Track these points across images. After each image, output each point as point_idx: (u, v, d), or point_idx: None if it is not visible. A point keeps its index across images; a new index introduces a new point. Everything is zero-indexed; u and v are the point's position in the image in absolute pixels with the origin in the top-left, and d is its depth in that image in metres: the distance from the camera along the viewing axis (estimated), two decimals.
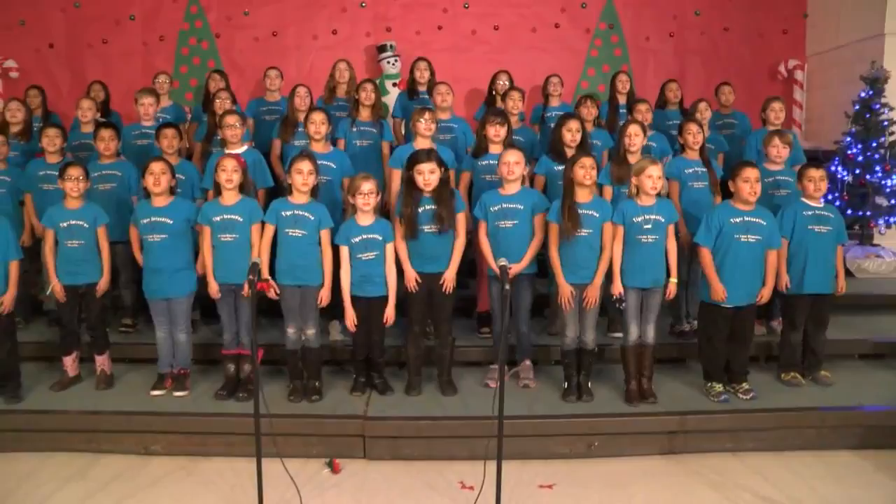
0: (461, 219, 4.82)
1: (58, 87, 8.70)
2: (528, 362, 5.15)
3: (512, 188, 4.87)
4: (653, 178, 4.60)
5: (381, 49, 8.77)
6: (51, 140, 5.65)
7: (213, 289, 4.82)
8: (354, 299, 4.81)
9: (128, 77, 8.50)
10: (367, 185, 4.71)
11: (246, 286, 4.27)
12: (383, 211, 5.25)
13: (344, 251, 4.77)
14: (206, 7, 9.05)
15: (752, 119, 7.06)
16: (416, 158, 4.74)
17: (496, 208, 4.86)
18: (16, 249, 4.84)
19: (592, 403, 4.79)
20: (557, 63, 8.68)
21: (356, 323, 4.82)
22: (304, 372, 4.93)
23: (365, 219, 4.78)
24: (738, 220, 4.71)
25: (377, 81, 8.23)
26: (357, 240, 4.75)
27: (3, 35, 8.96)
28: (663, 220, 4.68)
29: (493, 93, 6.96)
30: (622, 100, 7.00)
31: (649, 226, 4.64)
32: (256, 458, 3.71)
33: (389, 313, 4.82)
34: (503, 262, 3.83)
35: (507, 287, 3.59)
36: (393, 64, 8.67)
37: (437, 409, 4.72)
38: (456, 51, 8.88)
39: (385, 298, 4.81)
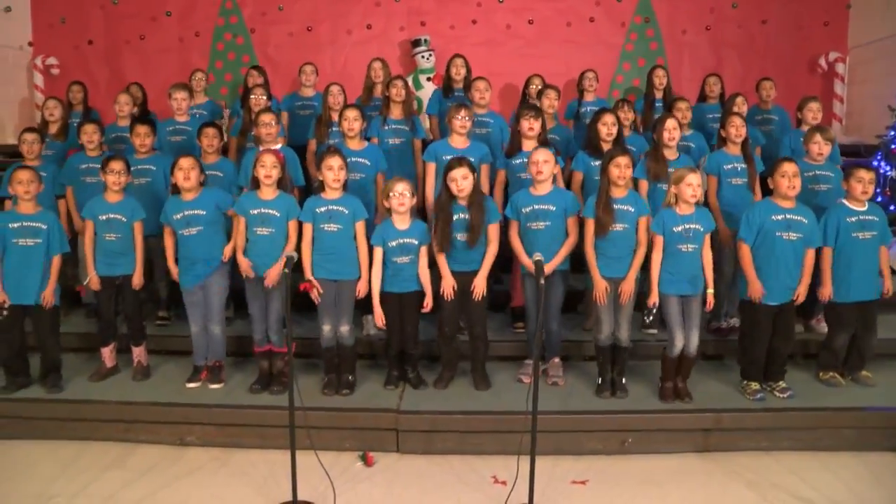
0: (494, 229, 4.78)
1: (97, 84, 8.85)
2: (556, 360, 5.12)
3: (543, 188, 4.82)
4: (692, 186, 4.53)
5: (416, 44, 8.78)
6: (88, 136, 5.76)
7: (245, 265, 4.79)
8: (387, 294, 4.81)
9: (164, 72, 8.61)
10: (401, 186, 4.69)
11: (273, 273, 4.53)
12: (419, 210, 5.26)
13: (378, 253, 4.76)
14: (241, 2, 9.14)
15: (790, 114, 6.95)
16: (448, 166, 4.72)
17: (528, 209, 4.81)
18: (62, 244, 4.97)
19: (627, 400, 4.76)
20: (592, 57, 8.62)
21: (388, 319, 4.83)
22: (340, 369, 4.94)
23: (401, 222, 4.76)
24: (779, 217, 4.63)
25: (411, 76, 8.30)
26: (394, 244, 4.74)
27: (45, 33, 9.15)
28: (702, 230, 4.62)
29: (527, 96, 6.93)
30: (658, 95, 6.97)
31: (689, 235, 4.59)
32: (290, 451, 3.75)
33: (428, 301, 4.81)
34: (538, 256, 3.81)
35: (542, 282, 3.57)
36: (427, 58, 8.67)
37: (471, 404, 4.71)
38: (490, 45, 8.85)
39: (417, 293, 4.82)
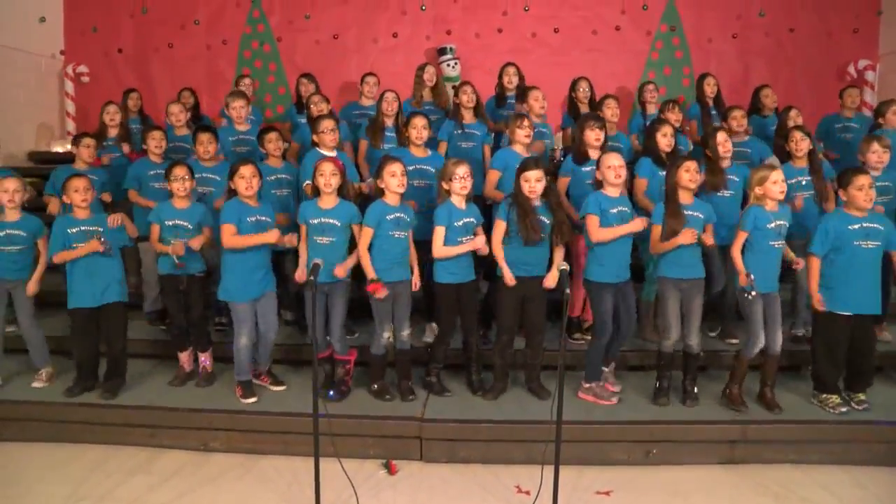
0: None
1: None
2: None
3: (616, 192, 4.76)
4: (778, 182, 4.55)
5: (441, 52, 8.79)
6: (157, 142, 5.85)
7: (300, 273, 4.77)
8: (444, 286, 4.82)
9: (192, 80, 8.69)
10: (462, 169, 4.71)
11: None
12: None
13: (440, 232, 4.76)
14: (269, 11, 9.22)
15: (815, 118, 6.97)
16: (524, 166, 4.68)
17: (615, 210, 4.73)
18: (122, 238, 5.02)
19: (652, 410, 4.72)
20: (618, 66, 8.63)
21: (444, 312, 4.89)
22: (397, 372, 4.96)
23: (461, 202, 4.78)
24: (856, 226, 4.59)
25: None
26: (459, 223, 4.75)
27: (77, 41, 9.31)
28: (788, 226, 4.64)
29: (575, 101, 6.94)
30: (710, 103, 7.03)
31: (780, 231, 4.60)
32: (314, 458, 3.75)
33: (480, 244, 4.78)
34: (564, 266, 3.81)
35: (567, 291, 3.57)
36: (453, 67, 8.68)
37: (495, 413, 4.69)
38: (516, 53, 8.75)
39: (475, 282, 4.89)
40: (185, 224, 5.00)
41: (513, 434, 4.55)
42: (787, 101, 7.27)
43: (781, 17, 8.91)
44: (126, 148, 6.48)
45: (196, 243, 4.94)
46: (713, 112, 6.98)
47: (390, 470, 4.45)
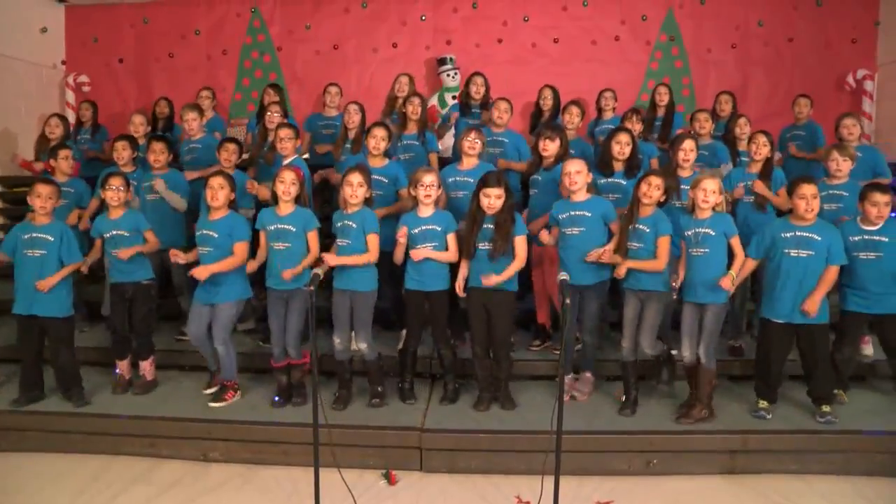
0: (520, 242, 4.71)
1: (125, 101, 9.03)
2: (588, 374, 5.09)
3: (579, 196, 4.83)
4: (705, 191, 4.52)
5: (441, 62, 8.81)
6: (119, 154, 5.83)
7: (252, 267, 4.91)
8: (413, 293, 4.87)
9: (192, 89, 8.66)
10: (429, 178, 4.76)
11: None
12: None
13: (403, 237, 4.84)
14: (269, 21, 9.24)
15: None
16: (485, 181, 4.68)
17: (565, 216, 4.83)
18: (72, 254, 4.93)
19: (652, 420, 4.71)
20: (618, 76, 8.62)
21: (410, 319, 4.94)
22: (368, 381, 5.00)
23: (426, 210, 4.82)
24: (789, 234, 4.59)
25: (437, 95, 8.36)
26: (417, 231, 4.80)
27: (78, 51, 9.35)
28: (713, 234, 4.55)
29: (541, 109, 7.01)
30: (660, 112, 7.14)
31: (699, 239, 4.57)
32: (314, 468, 3.74)
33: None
34: (563, 275, 3.80)
35: (567, 301, 3.56)
36: (453, 77, 8.69)
37: (495, 423, 4.69)
38: (516, 63, 8.87)
39: (445, 292, 4.86)
40: (123, 233, 5.03)
41: (513, 444, 4.54)
42: (785, 111, 7.32)
43: (780, 27, 8.92)
44: (52, 163, 6.13)
45: (124, 254, 4.96)
46: (657, 122, 7.07)
47: (390, 480, 4.44)
